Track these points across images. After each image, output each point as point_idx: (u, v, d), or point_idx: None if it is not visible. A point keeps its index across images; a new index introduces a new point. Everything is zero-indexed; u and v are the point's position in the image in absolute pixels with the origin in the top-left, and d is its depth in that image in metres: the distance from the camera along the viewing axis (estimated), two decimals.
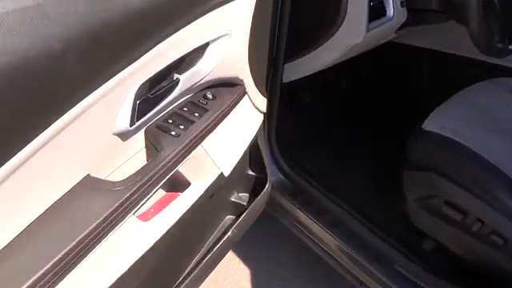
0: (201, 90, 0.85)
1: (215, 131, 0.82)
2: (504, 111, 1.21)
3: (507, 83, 1.29)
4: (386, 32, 1.12)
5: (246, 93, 0.92)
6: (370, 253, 1.16)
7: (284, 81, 1.22)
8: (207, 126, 0.79)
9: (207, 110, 0.81)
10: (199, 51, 0.74)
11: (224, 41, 0.77)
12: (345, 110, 1.74)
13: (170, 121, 0.77)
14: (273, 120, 1.21)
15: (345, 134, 1.61)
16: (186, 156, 0.75)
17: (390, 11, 1.09)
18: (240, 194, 1.10)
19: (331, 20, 1.03)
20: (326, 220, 1.24)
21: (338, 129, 1.64)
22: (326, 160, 1.49)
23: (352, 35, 1.05)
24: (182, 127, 0.76)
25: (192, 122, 0.77)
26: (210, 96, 0.84)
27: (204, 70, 0.78)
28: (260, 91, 1.02)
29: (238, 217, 1.06)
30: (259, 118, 1.06)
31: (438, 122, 1.15)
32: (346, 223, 1.22)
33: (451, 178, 1.06)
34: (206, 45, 0.75)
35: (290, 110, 1.50)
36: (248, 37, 0.82)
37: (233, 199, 1.07)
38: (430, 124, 1.15)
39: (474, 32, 0.95)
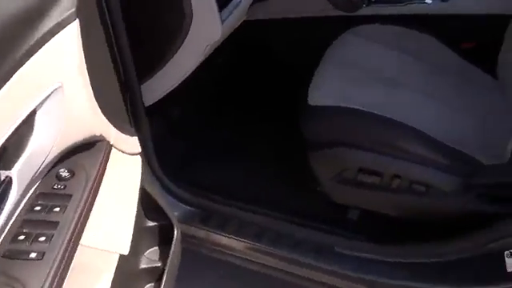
0: (50, 171, 0.62)
1: (92, 216, 0.61)
2: (373, 60, 1.21)
3: (363, 31, 1.30)
4: (239, 16, 1.00)
5: (112, 145, 0.72)
6: (306, 247, 1.09)
7: (148, 104, 1.03)
8: (79, 218, 0.58)
9: (70, 196, 0.59)
10: (25, 126, 0.52)
11: (56, 98, 0.56)
12: (222, 107, 1.61)
13: (22, 237, 0.53)
14: (151, 154, 1.03)
15: (233, 134, 1.49)
16: (64, 275, 0.53)
17: None
18: (149, 255, 0.91)
19: (177, 24, 0.87)
20: (248, 233, 1.13)
21: (224, 131, 1.51)
22: (224, 170, 1.36)
23: (208, 33, 0.91)
24: (42, 239, 0.53)
25: (55, 223, 0.55)
26: (65, 174, 0.62)
27: (42, 149, 0.56)
28: (126, 131, 0.83)
29: (159, 280, 0.88)
30: (137, 162, 0.87)
31: (321, 93, 1.10)
32: (271, 228, 1.11)
33: (357, 146, 1.02)
34: (33, 113, 0.54)
35: (166, 132, 1.32)
36: (87, 80, 0.62)
37: (144, 266, 0.88)
38: (314, 98, 1.09)
39: None
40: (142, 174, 0.88)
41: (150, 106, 1.05)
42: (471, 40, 1.30)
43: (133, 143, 0.85)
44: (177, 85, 1.02)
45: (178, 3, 0.83)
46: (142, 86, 0.99)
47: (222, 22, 0.89)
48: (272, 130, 1.45)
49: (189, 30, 0.87)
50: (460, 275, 0.90)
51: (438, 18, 1.31)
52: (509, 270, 0.84)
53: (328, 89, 1.10)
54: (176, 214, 1.11)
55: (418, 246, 0.97)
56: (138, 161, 0.87)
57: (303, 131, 1.09)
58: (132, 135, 0.88)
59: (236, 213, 1.16)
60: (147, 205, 0.92)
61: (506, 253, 0.86)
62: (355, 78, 1.13)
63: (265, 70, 1.63)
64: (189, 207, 1.16)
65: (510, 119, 1.05)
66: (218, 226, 1.14)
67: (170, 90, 1.04)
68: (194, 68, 1.00)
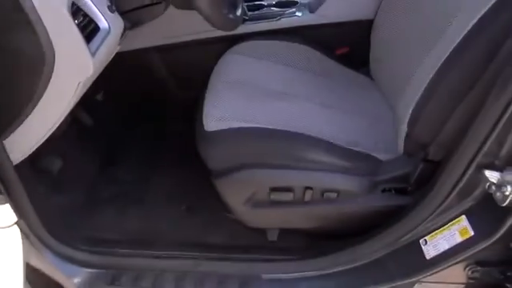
0: None
1: None
2: (259, 76, 1.20)
3: (243, 49, 1.29)
4: (111, 46, 0.90)
5: None
6: (231, 283, 1.01)
7: (17, 161, 0.87)
8: None
9: None
10: None
11: None
12: (113, 149, 1.47)
13: None
14: (32, 219, 0.86)
15: (130, 176, 1.36)
16: None
17: (103, 22, 0.87)
18: None
19: (37, 65, 0.73)
20: (168, 281, 1.01)
21: (120, 175, 1.37)
22: (129, 219, 1.23)
23: (78, 69, 0.79)
24: None
25: None
26: None
27: None
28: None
29: None
30: (16, 236, 0.71)
31: (215, 117, 1.04)
32: (192, 270, 1.02)
33: (262, 165, 0.99)
34: None
35: (48, 189, 1.14)
36: None
37: None
38: (210, 123, 1.03)
39: (206, 10, 0.85)
40: (24, 246, 0.72)
41: (21, 162, 0.88)
42: (344, 45, 1.38)
43: (8, 215, 0.69)
44: (50, 133, 0.87)
45: (33, 40, 0.70)
46: (5, 142, 0.82)
47: (93, 54, 0.79)
48: (173, 165, 1.36)
49: (52, 69, 0.74)
50: (387, 272, 0.92)
51: (311, 29, 1.37)
52: (428, 257, 0.87)
53: (221, 111, 1.05)
54: (77, 281, 0.95)
55: (341, 253, 0.97)
56: (17, 234, 0.71)
57: (204, 160, 1.03)
58: (3, 203, 0.72)
59: (150, 263, 1.03)
60: (38, 282, 0.76)
61: (420, 241, 0.90)
62: (246, 96, 1.11)
63: (153, 101, 1.53)
64: (92, 270, 1.00)
65: (394, 115, 1.12)
66: (132, 283, 1.00)
67: (43, 140, 0.88)
68: (67, 111, 0.86)
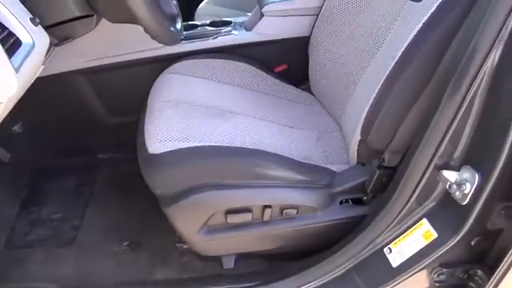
0: None
1: None
2: (200, 94, 1.14)
3: (181, 68, 1.23)
4: (36, 63, 0.78)
5: None
6: None
7: None
8: None
9: None
10: None
11: None
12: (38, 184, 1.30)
13: None
14: None
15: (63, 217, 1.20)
16: None
17: (25, 36, 0.76)
18: None
19: None
20: None
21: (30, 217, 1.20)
22: (65, 265, 1.07)
23: (1, 87, 0.67)
24: None
25: None
26: None
27: None
28: None
29: None
30: None
31: (159, 138, 0.96)
32: None
33: (215, 186, 0.92)
34: None
35: None
36: None
37: None
38: (153, 145, 0.95)
39: (149, 22, 0.77)
40: None
41: None
42: (282, 62, 1.37)
43: None
44: None
45: None
46: None
47: (16, 69, 0.67)
48: (109, 197, 1.23)
49: None
50: (355, 285, 0.88)
51: (248, 47, 1.34)
52: (394, 265, 0.85)
53: (165, 132, 0.97)
54: None
55: (306, 273, 0.92)
56: None
57: (151, 186, 0.93)
58: None
59: None
60: None
61: (385, 250, 0.88)
62: (189, 115, 1.04)
63: (81, 130, 1.39)
64: None
65: (342, 126, 1.12)
66: None
67: None
68: None
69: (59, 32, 0.86)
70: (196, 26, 1.39)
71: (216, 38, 1.33)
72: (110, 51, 1.26)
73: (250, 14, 1.52)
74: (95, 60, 1.26)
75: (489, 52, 0.69)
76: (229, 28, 1.37)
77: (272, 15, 1.31)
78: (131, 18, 0.78)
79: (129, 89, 1.30)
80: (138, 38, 1.01)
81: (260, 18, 1.33)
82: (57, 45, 0.88)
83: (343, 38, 1.17)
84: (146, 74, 1.27)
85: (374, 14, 1.09)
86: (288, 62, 1.38)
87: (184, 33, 1.35)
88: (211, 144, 0.94)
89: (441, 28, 0.79)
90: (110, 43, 1.20)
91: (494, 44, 0.68)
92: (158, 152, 0.92)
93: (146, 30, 0.79)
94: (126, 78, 1.31)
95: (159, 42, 0.86)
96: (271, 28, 1.33)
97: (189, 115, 1.04)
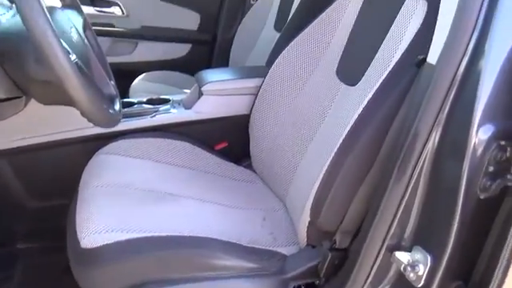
0: None
1: None
2: (137, 177, 1.08)
3: (117, 148, 1.17)
4: None
5: None
6: None
7: None
8: None
9: None
10: None
11: None
12: None
13: None
14: None
15: None
16: None
17: None
18: None
19: None
20: None
21: None
22: None
23: None
24: None
25: None
26: None
27: None
28: None
29: None
30: None
31: (92, 229, 0.86)
32: None
33: (158, 282, 0.82)
34: None
35: None
36: None
37: None
38: (86, 238, 0.84)
39: (85, 105, 0.71)
40: None
41: None
42: (223, 140, 1.36)
43: None
44: None
45: None
46: None
47: None
48: None
49: None
50: None
51: (187, 125, 1.32)
52: None
53: (99, 223, 0.88)
54: None
55: None
56: None
57: (82, 286, 0.81)
58: None
59: None
60: None
61: None
62: (126, 202, 0.97)
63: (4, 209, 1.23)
64: None
65: (289, 206, 1.10)
66: None
67: None
68: None
69: None
70: (133, 104, 1.35)
71: (154, 116, 1.29)
72: (36, 130, 1.16)
73: (186, 91, 1.52)
74: (19, 140, 1.15)
75: (429, 135, 0.72)
76: (167, 106, 1.34)
77: (211, 94, 1.32)
78: (67, 101, 0.72)
79: (57, 171, 1.19)
80: (69, 116, 0.94)
81: (199, 97, 1.33)
82: None
83: (281, 119, 1.19)
84: (77, 154, 1.18)
85: (309, 97, 1.13)
86: (228, 140, 1.37)
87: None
88: (153, 234, 0.86)
89: (380, 112, 0.82)
90: (37, 122, 1.11)
91: (432, 128, 0.71)
92: (92, 246, 0.82)
93: (83, 114, 0.73)
94: (54, 159, 1.20)
95: (97, 125, 0.81)
96: (210, 107, 1.33)
97: (126, 201, 0.96)
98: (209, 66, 2.08)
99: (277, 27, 1.74)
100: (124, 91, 1.77)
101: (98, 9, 1.94)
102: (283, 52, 1.22)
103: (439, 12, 0.69)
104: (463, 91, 0.65)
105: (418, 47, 0.80)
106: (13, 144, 1.14)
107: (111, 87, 0.93)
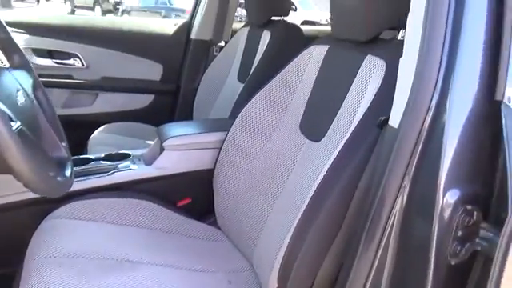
0: None
1: None
2: (93, 242, 1.00)
3: (69, 212, 1.09)
4: None
5: None
6: None
7: None
8: None
9: None
10: None
11: None
12: None
13: None
14: None
15: None
16: None
17: None
18: None
19: None
20: None
21: None
22: None
23: None
24: None
25: None
26: None
27: None
28: None
29: None
30: None
31: None
32: None
33: None
34: None
35: None
36: None
37: None
38: None
39: (27, 175, 0.65)
40: None
41: None
42: (186, 197, 1.30)
43: None
44: None
45: None
46: None
47: None
48: None
49: None
50: None
51: (148, 182, 1.26)
52: None
53: None
54: None
55: None
56: None
57: None
58: None
59: None
60: None
61: None
62: (80, 274, 0.88)
63: None
64: None
65: (255, 266, 1.04)
66: None
67: None
68: None
69: None
70: (89, 161, 1.28)
71: (112, 173, 1.23)
72: None
73: (149, 142, 1.47)
74: None
75: (395, 199, 0.70)
76: (127, 162, 1.28)
77: (173, 149, 1.27)
78: (6, 170, 0.66)
79: (3, 238, 1.09)
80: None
81: (160, 152, 1.28)
82: None
83: (246, 174, 1.16)
84: (25, 219, 1.09)
85: (274, 152, 1.11)
86: (192, 196, 1.31)
87: (75, 169, 1.23)
88: None
89: (346, 173, 0.80)
90: None
91: (399, 191, 0.69)
92: None
93: (26, 185, 0.67)
94: None
95: (42, 195, 0.74)
96: (172, 162, 1.28)
97: (80, 273, 0.88)
98: (172, 117, 2.05)
99: (240, 78, 1.74)
100: (83, 144, 1.70)
101: (56, 61, 1.89)
102: (246, 106, 1.21)
103: (398, 74, 0.69)
104: (426, 156, 0.64)
105: (380, 107, 0.80)
106: None
107: (62, 150, 0.88)
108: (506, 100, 0.61)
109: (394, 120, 0.68)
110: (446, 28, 0.64)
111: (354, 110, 0.90)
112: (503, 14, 0.64)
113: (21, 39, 1.81)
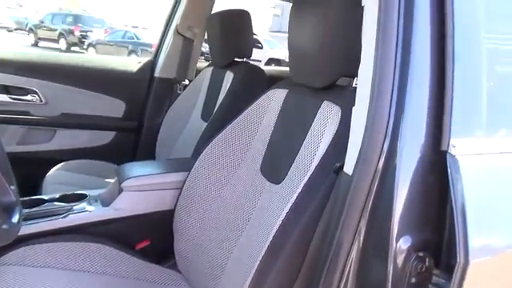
0: None
1: None
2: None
3: (15, 258, 1.03)
4: None
5: None
6: None
7: None
8: None
9: None
10: None
11: None
12: None
13: None
14: None
15: None
16: None
17: None
18: None
19: None
20: None
21: None
22: None
23: None
24: None
25: None
26: None
27: None
28: None
29: None
30: None
31: None
32: None
33: None
34: None
35: None
36: None
37: None
38: None
39: None
40: None
41: None
42: (145, 239, 1.26)
43: None
44: None
45: None
46: None
47: None
48: None
49: None
50: None
51: (104, 224, 1.22)
52: None
53: None
54: None
55: None
56: None
57: None
58: None
59: None
60: None
61: None
62: None
63: None
64: None
65: None
66: None
67: None
68: None
69: None
70: (42, 202, 1.22)
71: (66, 216, 1.18)
72: None
73: (109, 180, 1.43)
74: None
75: (351, 245, 0.71)
76: (83, 204, 1.24)
77: (132, 190, 1.24)
78: None
79: None
80: None
81: (119, 193, 1.24)
82: None
83: (206, 215, 1.15)
84: None
85: (235, 193, 1.11)
86: (151, 238, 1.28)
87: (25, 211, 1.17)
88: None
89: (303, 217, 0.81)
90: None
91: (354, 237, 0.70)
92: None
93: None
94: None
95: None
96: (131, 203, 1.25)
97: None
98: (134, 154, 2.02)
99: (204, 117, 1.75)
100: (39, 183, 1.63)
101: (13, 96, 1.83)
102: (207, 147, 1.21)
103: (351, 122, 0.72)
104: (380, 200, 0.66)
105: (337, 151, 0.82)
106: None
107: (11, 194, 0.84)
108: (450, 150, 0.64)
109: (348, 167, 0.70)
110: (394, 78, 0.67)
111: (312, 154, 0.92)
112: (445, 66, 0.68)
113: None
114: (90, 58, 2.07)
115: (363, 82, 0.71)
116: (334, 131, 0.87)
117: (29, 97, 1.85)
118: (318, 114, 0.95)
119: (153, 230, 1.27)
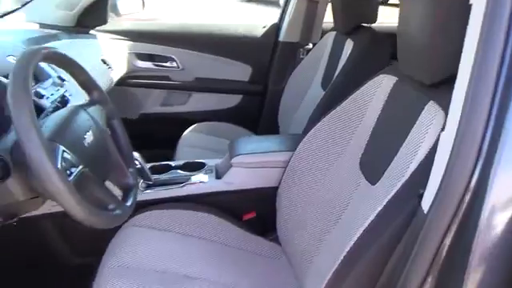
0: None
1: None
2: (156, 252, 1.11)
3: (143, 220, 1.22)
4: None
5: None
6: None
7: None
8: None
9: None
10: None
11: None
12: None
13: None
14: None
15: None
16: None
17: None
18: None
19: None
20: None
21: None
22: None
23: None
24: None
25: None
26: None
27: None
28: None
29: None
30: None
31: None
32: None
33: None
34: None
35: None
36: None
37: None
38: None
39: (80, 215, 0.75)
40: None
41: None
42: (251, 211, 1.36)
43: None
44: None
45: None
46: None
47: None
48: None
49: None
50: None
51: (216, 195, 1.34)
52: None
53: None
54: None
55: None
56: None
57: None
58: None
59: None
60: None
61: None
62: (141, 286, 1.00)
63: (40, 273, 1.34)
64: None
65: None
66: None
67: None
68: None
69: (5, 210, 0.86)
70: (169, 168, 1.40)
71: (184, 186, 1.33)
72: None
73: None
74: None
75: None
76: (200, 174, 1.37)
77: (241, 166, 1.32)
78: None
79: (95, 232, 1.27)
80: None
81: (229, 168, 1.34)
82: (3, 222, 0.87)
83: (308, 197, 1.16)
84: None
85: (334, 181, 1.09)
86: (256, 211, 1.36)
87: (153, 177, 1.36)
88: None
89: (394, 222, 0.75)
90: None
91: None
92: None
93: (82, 223, 0.77)
94: None
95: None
96: (240, 178, 1.33)
97: (140, 286, 0.99)
98: (258, 118, 2.10)
99: (323, 85, 1.70)
100: (176, 138, 1.85)
101: (156, 63, 2.06)
102: (314, 128, 1.20)
103: (437, 148, 0.62)
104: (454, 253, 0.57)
105: (428, 168, 0.73)
106: (55, 208, 1.25)
107: (128, 176, 0.98)
108: None
109: (426, 202, 0.62)
110: (495, 93, 0.54)
111: (408, 161, 0.83)
112: None
113: (126, 45, 2.02)
114: (219, 25, 2.16)
115: (458, 96, 0.60)
116: (433, 142, 0.77)
117: (168, 63, 2.06)
118: (420, 116, 0.84)
119: (258, 204, 1.35)
